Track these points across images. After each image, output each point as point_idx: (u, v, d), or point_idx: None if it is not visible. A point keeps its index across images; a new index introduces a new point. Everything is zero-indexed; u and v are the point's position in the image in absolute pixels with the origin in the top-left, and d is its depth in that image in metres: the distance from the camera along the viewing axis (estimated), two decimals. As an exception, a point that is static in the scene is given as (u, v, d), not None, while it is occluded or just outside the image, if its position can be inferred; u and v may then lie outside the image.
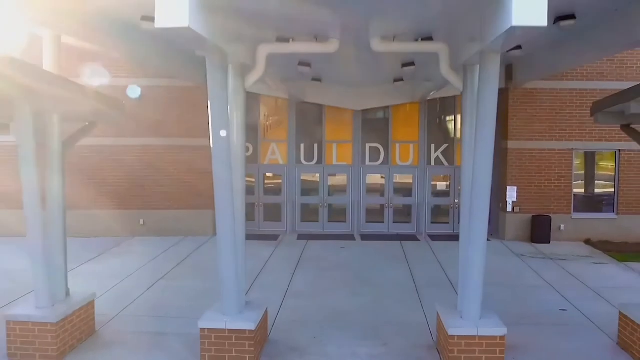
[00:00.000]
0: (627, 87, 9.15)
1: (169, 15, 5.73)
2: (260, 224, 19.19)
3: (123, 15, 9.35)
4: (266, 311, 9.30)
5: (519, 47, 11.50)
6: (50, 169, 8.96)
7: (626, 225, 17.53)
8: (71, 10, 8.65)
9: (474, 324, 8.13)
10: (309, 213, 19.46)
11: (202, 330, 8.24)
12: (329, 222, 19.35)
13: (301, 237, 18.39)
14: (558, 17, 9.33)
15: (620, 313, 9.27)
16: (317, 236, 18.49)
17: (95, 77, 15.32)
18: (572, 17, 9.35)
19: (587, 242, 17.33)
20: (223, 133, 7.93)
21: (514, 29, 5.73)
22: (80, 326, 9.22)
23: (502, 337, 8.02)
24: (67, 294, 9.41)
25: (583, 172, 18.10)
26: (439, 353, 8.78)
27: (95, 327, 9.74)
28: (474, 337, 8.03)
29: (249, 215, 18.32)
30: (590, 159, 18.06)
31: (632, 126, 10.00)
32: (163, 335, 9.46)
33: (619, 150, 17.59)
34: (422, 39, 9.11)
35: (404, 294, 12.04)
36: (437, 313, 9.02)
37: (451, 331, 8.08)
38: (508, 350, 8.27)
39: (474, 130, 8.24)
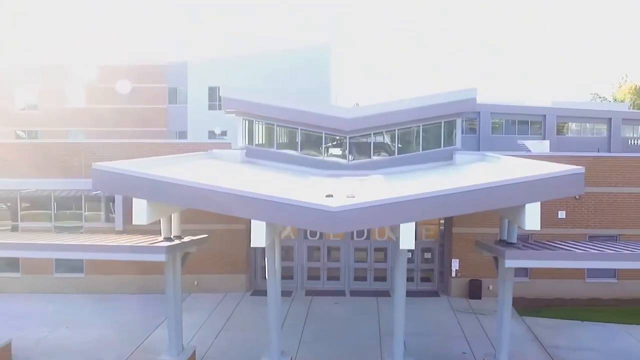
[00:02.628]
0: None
1: (256, 241, 14.29)
2: (278, 281, 27.70)
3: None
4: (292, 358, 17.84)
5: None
6: (176, 272, 17.48)
7: (535, 286, 26.02)
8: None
9: (400, 364, 16.67)
10: (313, 273, 28.00)
11: (261, 368, 16.82)
12: (327, 280, 27.90)
13: (308, 293, 26.93)
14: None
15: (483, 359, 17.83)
16: (319, 292, 27.03)
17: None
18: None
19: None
20: (272, 268, 16.55)
21: (404, 250, 14.31)
22: (191, 364, 17.81)
23: (412, 374, 16.56)
24: (182, 346, 17.98)
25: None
26: (383, 380, 17.33)
27: (196, 364, 18.32)
28: (398, 373, 16.57)
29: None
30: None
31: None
32: (235, 369, 18.02)
33: (531, 234, 26.11)
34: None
35: (371, 342, 20.52)
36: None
37: (387, 370, 16.64)
38: (417, 379, 16.79)
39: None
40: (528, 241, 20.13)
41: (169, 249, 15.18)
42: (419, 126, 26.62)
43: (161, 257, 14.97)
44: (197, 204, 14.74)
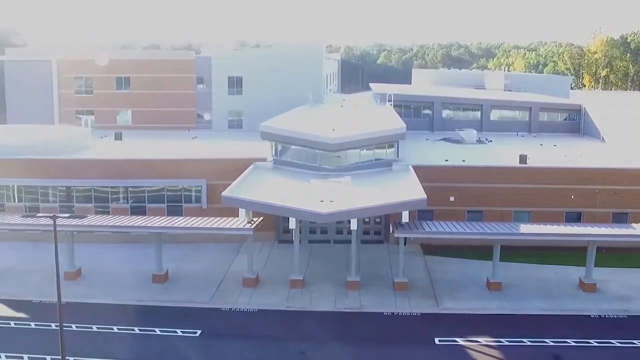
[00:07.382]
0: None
1: (292, 225, 35.04)
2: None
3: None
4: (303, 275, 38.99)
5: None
6: (251, 237, 38.31)
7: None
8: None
9: (354, 276, 37.82)
10: (312, 229, 48.88)
11: (291, 280, 38.00)
12: (320, 233, 48.84)
13: (310, 241, 47.90)
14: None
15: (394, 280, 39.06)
16: (316, 241, 47.96)
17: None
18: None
19: (421, 245, 46.78)
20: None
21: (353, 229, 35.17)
22: (256, 279, 38.88)
23: (358, 282, 37.74)
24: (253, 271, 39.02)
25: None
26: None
27: (259, 279, 39.41)
28: (352, 281, 37.77)
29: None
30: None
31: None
32: (277, 282, 39.16)
33: (434, 209, 46.79)
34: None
35: (343, 268, 41.61)
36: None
37: (348, 278, 37.88)
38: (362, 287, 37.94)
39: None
40: (415, 221, 40.17)
41: (254, 229, 36.20)
42: (374, 147, 46.88)
43: (249, 233, 36.01)
44: (265, 211, 35.66)
